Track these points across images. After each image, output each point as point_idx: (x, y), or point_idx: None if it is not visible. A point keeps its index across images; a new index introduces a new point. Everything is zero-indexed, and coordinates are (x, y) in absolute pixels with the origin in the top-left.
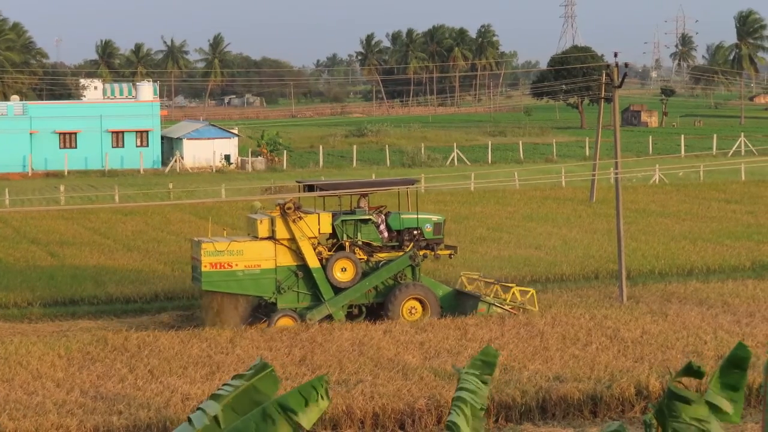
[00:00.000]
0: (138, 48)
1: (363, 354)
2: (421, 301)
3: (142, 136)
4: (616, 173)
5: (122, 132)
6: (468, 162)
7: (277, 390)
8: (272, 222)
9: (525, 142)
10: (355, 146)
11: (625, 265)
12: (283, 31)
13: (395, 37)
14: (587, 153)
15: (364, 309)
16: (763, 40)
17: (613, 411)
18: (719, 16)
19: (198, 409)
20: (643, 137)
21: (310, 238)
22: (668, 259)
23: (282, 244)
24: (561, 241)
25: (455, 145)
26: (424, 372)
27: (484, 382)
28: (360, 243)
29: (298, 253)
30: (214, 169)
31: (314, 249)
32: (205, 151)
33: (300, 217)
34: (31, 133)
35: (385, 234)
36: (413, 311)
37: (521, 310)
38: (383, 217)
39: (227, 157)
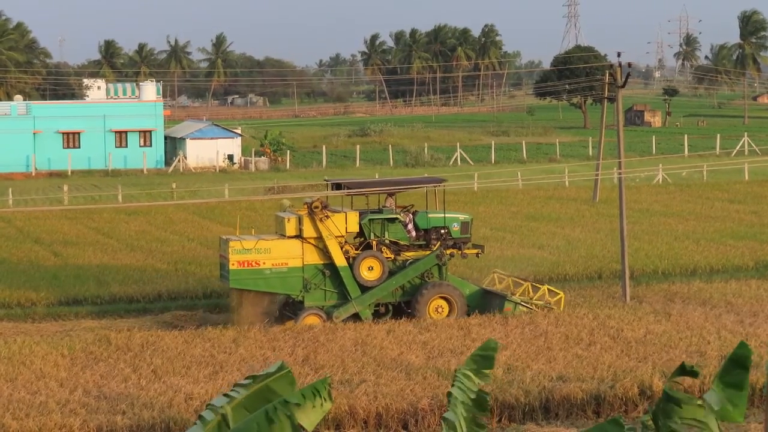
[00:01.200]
0: (141, 48)
1: (366, 354)
2: (447, 300)
3: (146, 135)
4: (620, 173)
5: (125, 132)
6: (471, 162)
7: (293, 390)
8: (300, 220)
9: (528, 142)
10: (358, 146)
11: (629, 264)
12: (286, 31)
13: (398, 37)
14: (590, 153)
15: (390, 307)
16: (766, 39)
17: (616, 411)
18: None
19: (208, 405)
20: (647, 137)
21: (337, 236)
22: (671, 259)
23: (309, 242)
24: (564, 241)
25: (458, 144)
26: (427, 372)
27: (483, 377)
28: (387, 242)
29: (325, 251)
30: (217, 169)
31: (341, 247)
32: (208, 151)
33: (327, 216)
34: (34, 133)
35: (413, 233)
36: (440, 310)
37: (546, 310)
38: (411, 216)
39: (230, 157)
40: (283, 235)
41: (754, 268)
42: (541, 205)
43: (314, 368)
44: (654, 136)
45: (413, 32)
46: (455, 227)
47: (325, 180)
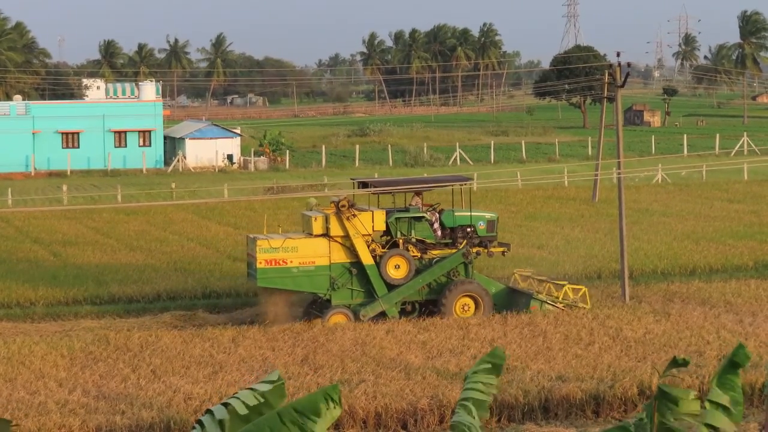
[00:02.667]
0: (141, 48)
1: (365, 354)
2: (474, 299)
3: (145, 135)
4: (619, 173)
5: (125, 132)
6: (470, 162)
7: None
8: (327, 219)
9: (527, 142)
10: (357, 146)
11: (628, 264)
12: (285, 31)
13: (398, 37)
14: (590, 152)
15: (417, 306)
16: (765, 39)
17: (615, 411)
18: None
19: (207, 411)
20: (646, 137)
21: (364, 235)
22: (671, 259)
23: (336, 241)
24: (564, 241)
25: (458, 144)
26: (426, 372)
27: (490, 384)
28: (414, 240)
29: (352, 250)
30: (216, 169)
31: (368, 246)
32: (208, 150)
33: (354, 215)
34: (33, 133)
35: (439, 232)
36: (466, 308)
37: (572, 308)
38: (437, 215)
39: (230, 157)
40: (310, 234)
41: (754, 268)
42: (541, 205)
43: (313, 368)
44: (653, 136)
45: (413, 32)
46: (481, 225)
47: (351, 179)
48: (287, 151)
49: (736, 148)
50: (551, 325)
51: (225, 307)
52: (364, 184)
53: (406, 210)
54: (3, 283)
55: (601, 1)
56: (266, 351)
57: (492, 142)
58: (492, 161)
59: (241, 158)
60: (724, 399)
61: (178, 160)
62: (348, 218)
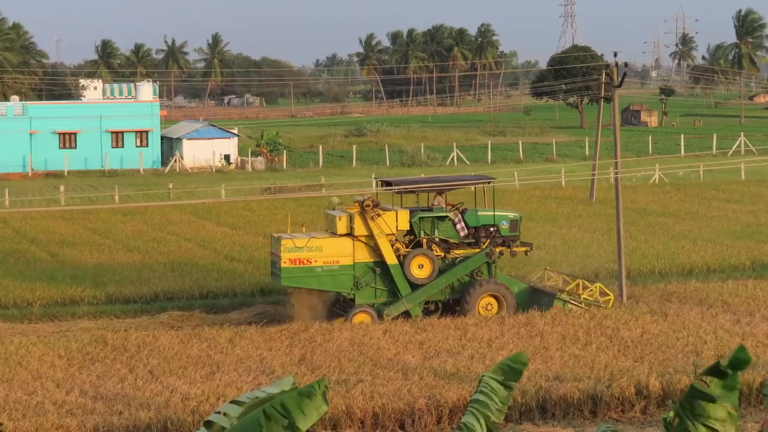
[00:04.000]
0: (138, 48)
1: (363, 354)
2: (497, 298)
3: (142, 136)
4: (616, 173)
5: (122, 132)
6: (468, 162)
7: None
8: (351, 219)
9: (525, 142)
10: (354, 146)
11: (625, 264)
12: (282, 31)
13: (395, 37)
14: (587, 153)
15: (440, 305)
16: (762, 39)
17: (613, 411)
18: (719, 15)
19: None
20: (643, 137)
21: (387, 234)
22: (668, 259)
23: (360, 240)
24: (561, 241)
25: (455, 144)
26: (423, 372)
27: (508, 388)
28: (437, 240)
29: (376, 249)
30: (213, 169)
31: (392, 246)
32: (205, 151)
33: (378, 214)
34: (30, 134)
35: (464, 231)
36: (489, 307)
37: (594, 307)
38: (460, 215)
39: (227, 157)
40: (334, 233)
41: (751, 268)
42: (538, 205)
43: (311, 368)
44: (650, 136)
45: (410, 32)
46: (504, 225)
47: (374, 178)
48: (284, 152)
49: (734, 148)
50: (548, 325)
51: (222, 307)
52: (387, 184)
53: (430, 209)
54: (0, 283)
55: (599, 1)
56: (263, 351)
57: (489, 142)
58: (489, 161)
59: (239, 158)
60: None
61: (175, 161)
62: (372, 218)
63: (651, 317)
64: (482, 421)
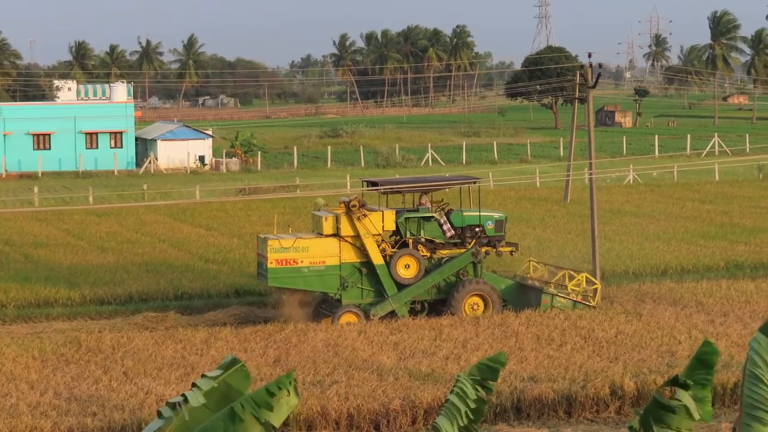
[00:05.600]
0: (112, 49)
1: (338, 355)
2: (483, 298)
3: (116, 137)
4: (591, 173)
5: (96, 133)
6: (443, 162)
7: (249, 385)
8: (337, 219)
9: (499, 143)
10: (329, 147)
11: (600, 265)
12: (257, 32)
13: (369, 38)
14: (561, 153)
15: (426, 305)
16: (736, 40)
17: (587, 411)
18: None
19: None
20: (617, 137)
21: (374, 235)
22: (642, 259)
23: (346, 241)
24: (535, 242)
25: (430, 145)
26: (399, 373)
27: (486, 389)
28: (423, 240)
29: (362, 249)
30: (188, 171)
31: (378, 246)
32: (180, 152)
33: (364, 215)
34: (4, 135)
35: (450, 232)
36: (475, 307)
37: (584, 298)
38: (446, 216)
39: (201, 159)
40: (320, 234)
41: (725, 268)
42: (513, 206)
43: (285, 369)
44: (625, 137)
45: (384, 33)
46: (490, 225)
47: (360, 179)
48: (259, 153)
49: (707, 149)
50: (523, 325)
51: (197, 308)
52: (373, 184)
53: (416, 210)
54: None
55: (573, 2)
56: (238, 352)
57: (464, 143)
58: (464, 162)
59: (213, 160)
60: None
61: (149, 162)
62: (358, 218)
63: (625, 317)
64: (455, 423)
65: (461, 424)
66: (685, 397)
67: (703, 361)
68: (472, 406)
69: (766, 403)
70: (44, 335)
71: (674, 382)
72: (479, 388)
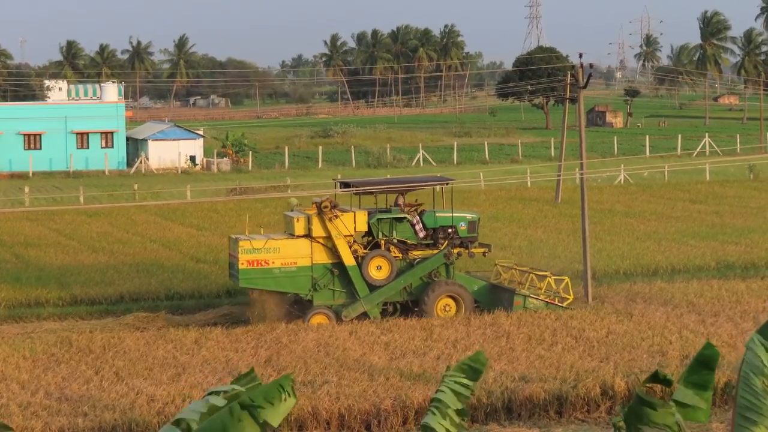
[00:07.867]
0: (103, 49)
1: (329, 355)
2: (455, 299)
3: (107, 137)
4: (582, 174)
5: (87, 133)
6: (434, 163)
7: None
8: (309, 220)
9: (490, 143)
10: (320, 147)
11: (591, 265)
12: (248, 32)
13: (360, 38)
14: (552, 153)
15: (398, 306)
16: (726, 41)
17: (578, 411)
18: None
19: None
20: (608, 138)
21: (346, 236)
22: (633, 259)
23: (318, 241)
24: (526, 242)
25: (421, 145)
26: (389, 373)
27: (468, 387)
28: (395, 241)
29: (334, 250)
30: (179, 170)
31: (350, 247)
32: (170, 152)
33: (336, 216)
34: None
35: (423, 233)
36: (447, 308)
37: (557, 299)
38: (418, 217)
39: (192, 159)
40: (292, 235)
41: (716, 268)
42: (504, 206)
43: (277, 369)
44: (615, 137)
45: (375, 33)
46: (462, 226)
47: (333, 180)
48: (250, 153)
49: (698, 149)
50: (514, 326)
51: (188, 308)
52: (345, 185)
53: (388, 211)
54: None
55: (564, 3)
56: (229, 352)
57: (455, 143)
58: (455, 162)
59: (204, 159)
60: (691, 397)
61: (140, 162)
62: (330, 219)
63: (616, 317)
64: (445, 421)
65: (448, 423)
66: (688, 397)
67: (704, 362)
68: (458, 406)
69: (760, 406)
70: (35, 335)
71: (655, 378)
72: (461, 387)
